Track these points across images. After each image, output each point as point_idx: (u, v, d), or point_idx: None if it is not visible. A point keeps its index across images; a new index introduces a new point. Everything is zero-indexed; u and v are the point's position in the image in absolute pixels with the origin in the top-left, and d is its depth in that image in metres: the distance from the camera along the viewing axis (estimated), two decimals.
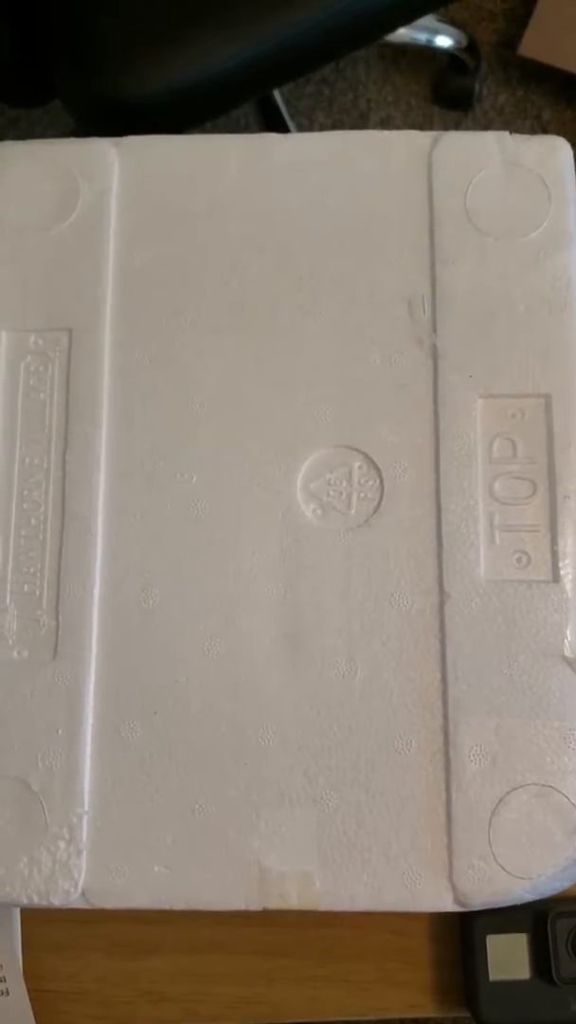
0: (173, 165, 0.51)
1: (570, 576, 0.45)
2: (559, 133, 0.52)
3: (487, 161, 0.50)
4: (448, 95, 1.41)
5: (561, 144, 0.50)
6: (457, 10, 1.41)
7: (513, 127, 1.40)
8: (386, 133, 0.51)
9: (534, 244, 0.49)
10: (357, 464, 0.47)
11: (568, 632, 0.45)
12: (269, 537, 0.47)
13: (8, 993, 0.52)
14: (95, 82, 0.95)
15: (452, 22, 1.37)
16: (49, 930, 0.53)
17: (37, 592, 0.46)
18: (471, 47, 1.38)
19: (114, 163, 0.51)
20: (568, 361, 0.47)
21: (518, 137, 0.50)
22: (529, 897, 0.44)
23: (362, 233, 0.49)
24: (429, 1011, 0.53)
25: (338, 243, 0.49)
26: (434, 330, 0.48)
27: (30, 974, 0.52)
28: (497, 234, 0.49)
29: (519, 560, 0.46)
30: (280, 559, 0.46)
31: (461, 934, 0.52)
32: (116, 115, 0.96)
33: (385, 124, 1.41)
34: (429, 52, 1.41)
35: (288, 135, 0.51)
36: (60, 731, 0.45)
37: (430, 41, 1.37)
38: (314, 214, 0.50)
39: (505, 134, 0.50)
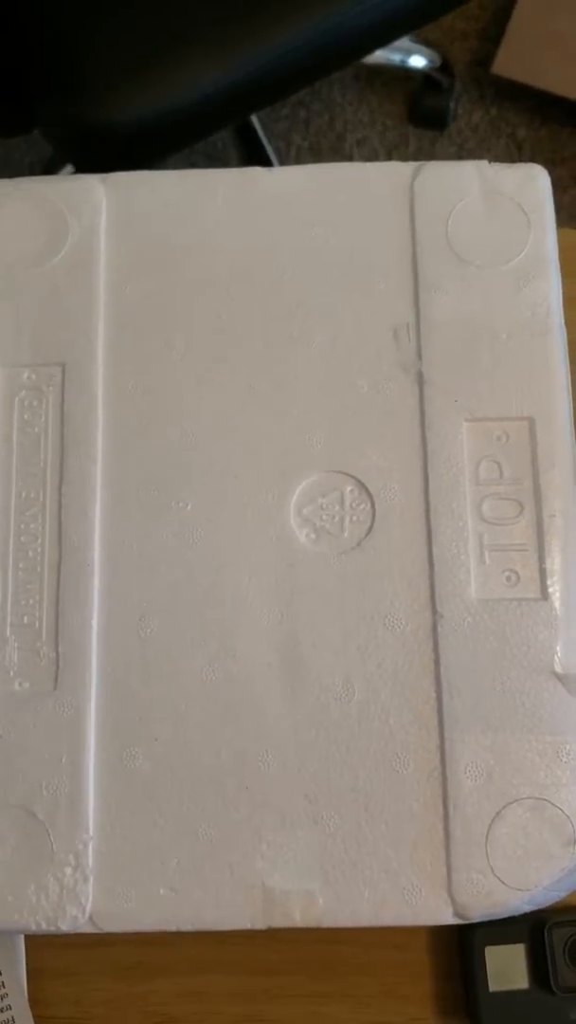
0: (160, 200, 0.52)
1: (558, 593, 0.47)
2: (534, 151, 0.53)
3: (467, 190, 0.51)
4: (423, 114, 1.43)
5: (539, 172, 0.51)
6: (430, 30, 1.43)
7: (488, 145, 1.42)
8: (368, 165, 0.52)
9: (515, 271, 0.50)
10: (348, 488, 0.48)
11: (558, 648, 0.46)
12: (264, 563, 0.48)
13: (14, 1022, 0.52)
14: (75, 110, 0.96)
15: (426, 42, 1.39)
16: (53, 955, 0.53)
17: (36, 624, 0.47)
18: (445, 67, 1.40)
19: (102, 199, 0.52)
20: (550, 385, 0.49)
21: (497, 166, 0.52)
22: (527, 908, 0.45)
23: (347, 264, 0.51)
24: None
25: (324, 274, 0.51)
26: (419, 357, 0.49)
27: (35, 1000, 0.53)
28: (479, 262, 0.50)
29: (508, 579, 0.47)
30: (275, 584, 0.47)
31: (460, 946, 0.53)
32: (96, 142, 0.97)
33: (361, 144, 1.43)
34: (404, 72, 1.43)
35: (272, 169, 0.52)
36: (63, 760, 0.46)
37: (404, 61, 1.39)
38: (300, 246, 0.51)
39: (484, 163, 0.51)
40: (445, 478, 0.48)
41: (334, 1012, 0.54)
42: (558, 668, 0.46)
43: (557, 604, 0.46)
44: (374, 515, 0.48)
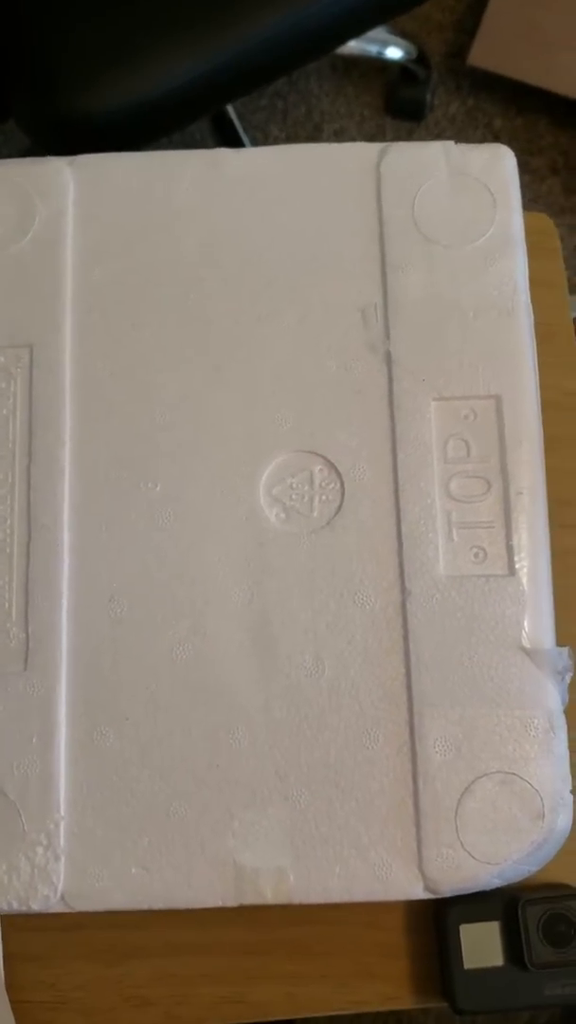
0: (127, 182, 0.52)
1: (525, 569, 0.47)
2: (510, 140, 0.54)
3: (433, 170, 0.51)
4: (400, 105, 1.43)
5: (505, 152, 0.52)
6: (406, 22, 1.43)
7: (465, 136, 1.42)
8: (335, 146, 0.52)
9: (481, 250, 0.50)
10: (318, 468, 0.49)
11: (525, 623, 0.46)
12: (234, 542, 0.48)
13: None
14: (50, 101, 0.95)
15: (402, 34, 1.39)
16: (29, 939, 0.53)
17: (6, 604, 0.47)
18: (421, 58, 1.40)
19: (69, 181, 0.52)
20: (516, 363, 0.49)
21: (463, 146, 0.52)
22: (497, 883, 0.45)
23: (315, 244, 0.51)
24: (407, 1003, 0.54)
25: (292, 255, 0.51)
26: (387, 337, 0.49)
27: (11, 984, 0.53)
28: (445, 242, 0.50)
29: (476, 555, 0.47)
30: (245, 563, 0.48)
31: (435, 925, 0.53)
32: (72, 134, 0.97)
33: (339, 135, 1.43)
34: (380, 64, 1.43)
35: (240, 150, 0.53)
36: (34, 740, 0.46)
37: (381, 53, 1.39)
38: (267, 227, 0.51)
39: (451, 143, 0.52)
40: (413, 457, 0.48)
41: (310, 992, 0.54)
42: (525, 643, 0.46)
43: (524, 580, 0.47)
44: (343, 494, 0.48)
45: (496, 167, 0.51)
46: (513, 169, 0.52)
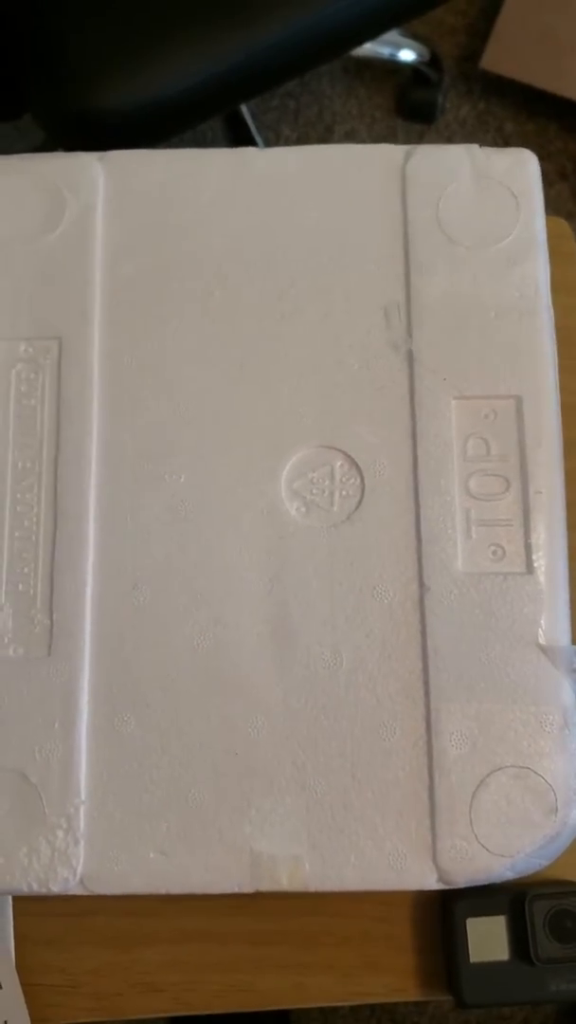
0: (156, 179, 0.53)
1: (543, 567, 0.48)
2: (520, 145, 0.54)
3: (458, 173, 0.52)
4: (412, 108, 1.44)
5: (529, 156, 0.53)
6: (419, 25, 1.44)
7: (475, 139, 1.43)
8: (361, 147, 0.53)
9: (504, 252, 0.51)
10: (339, 463, 0.49)
11: (542, 621, 0.47)
12: (255, 535, 0.48)
13: (1, 987, 0.53)
14: (66, 97, 0.96)
15: (415, 36, 1.40)
16: (41, 923, 0.54)
17: (31, 591, 0.48)
18: (434, 61, 1.41)
19: (99, 177, 0.52)
20: (537, 364, 0.50)
21: (488, 150, 0.53)
22: (510, 875, 0.46)
23: (339, 244, 0.51)
24: (412, 995, 0.54)
25: (316, 253, 0.51)
26: (409, 336, 0.50)
27: (23, 967, 0.53)
28: (468, 243, 0.51)
29: (495, 553, 0.48)
30: (266, 556, 0.48)
31: (442, 918, 0.54)
32: (87, 129, 0.97)
33: (350, 136, 1.44)
34: (393, 66, 1.44)
35: (266, 149, 0.53)
36: (56, 725, 0.46)
37: (393, 55, 1.39)
38: (293, 225, 0.52)
39: (475, 147, 0.52)
40: (433, 454, 0.49)
41: (317, 982, 0.54)
42: (542, 640, 0.47)
43: (542, 578, 0.47)
44: (363, 489, 0.49)
45: (520, 171, 0.52)
46: (537, 173, 0.52)
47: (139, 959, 0.54)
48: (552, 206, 1.38)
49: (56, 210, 0.52)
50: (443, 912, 0.54)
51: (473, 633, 0.47)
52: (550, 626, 0.47)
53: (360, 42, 1.08)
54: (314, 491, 0.49)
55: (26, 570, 0.48)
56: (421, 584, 0.47)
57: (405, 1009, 1.17)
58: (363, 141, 1.43)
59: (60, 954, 0.54)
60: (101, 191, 0.52)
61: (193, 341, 0.50)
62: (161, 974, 0.54)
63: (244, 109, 1.39)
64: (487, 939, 0.52)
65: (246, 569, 0.48)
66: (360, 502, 0.49)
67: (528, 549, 0.48)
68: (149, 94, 0.94)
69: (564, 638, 0.47)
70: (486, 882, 0.46)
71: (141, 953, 0.54)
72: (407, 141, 1.44)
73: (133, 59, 0.94)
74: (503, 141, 1.42)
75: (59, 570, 0.48)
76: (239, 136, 1.40)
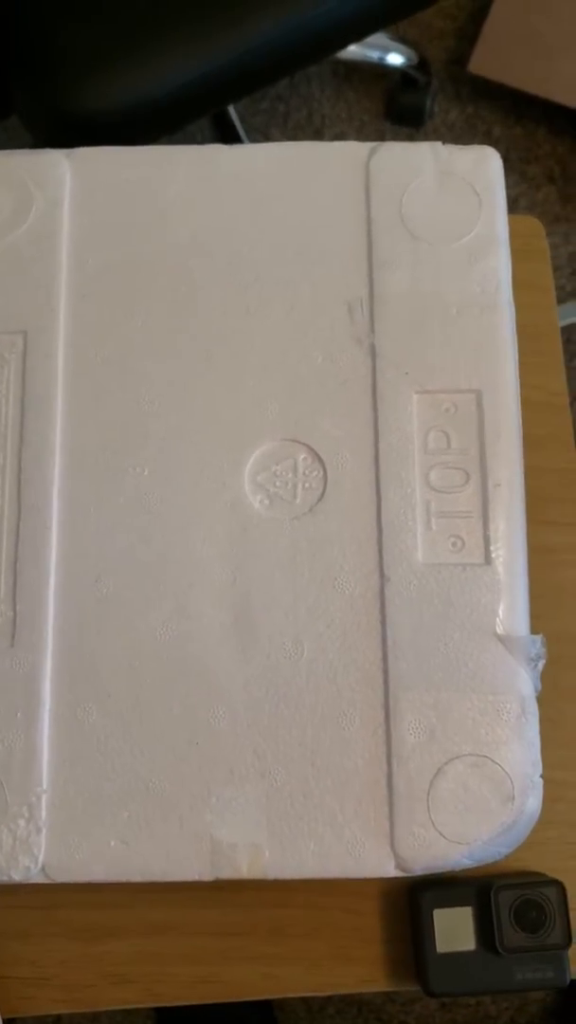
0: (123, 175, 0.53)
1: (501, 559, 0.48)
2: (509, 149, 0.55)
3: (421, 170, 0.52)
4: (400, 111, 1.44)
5: (491, 153, 0.53)
6: (408, 28, 1.45)
7: (464, 143, 1.43)
8: (326, 144, 0.53)
9: (466, 248, 0.51)
10: (301, 456, 0.50)
11: (500, 611, 0.47)
12: (218, 527, 0.49)
13: None
14: (53, 98, 0.96)
15: (403, 40, 1.40)
16: (10, 916, 0.54)
17: None
18: (422, 64, 1.41)
19: (66, 173, 0.53)
20: (497, 358, 0.50)
21: (451, 147, 0.53)
22: (467, 863, 0.46)
23: (304, 239, 0.52)
24: (381, 985, 0.55)
25: (281, 249, 0.52)
26: (372, 330, 0.51)
27: None
28: (431, 239, 0.51)
29: (454, 544, 0.49)
30: (229, 547, 0.49)
31: (409, 909, 0.54)
32: (73, 130, 0.98)
33: (339, 140, 1.44)
34: (381, 69, 1.44)
35: (234, 146, 0.54)
36: (19, 715, 0.47)
37: (382, 59, 1.40)
38: (258, 221, 0.52)
39: (438, 144, 0.53)
40: (395, 447, 0.49)
41: (286, 973, 0.55)
42: (500, 630, 0.47)
43: (500, 569, 0.48)
44: (326, 482, 0.49)
45: (482, 168, 0.52)
46: (499, 170, 0.53)
47: (109, 951, 0.54)
48: (539, 209, 1.39)
49: (23, 206, 0.52)
50: (410, 903, 0.54)
51: (432, 623, 0.47)
52: (508, 616, 0.47)
53: (349, 42, 1.08)
54: (277, 484, 0.50)
55: None
56: (382, 575, 0.48)
57: (392, 1009, 1.17)
58: None
59: (30, 947, 0.54)
60: (68, 187, 0.53)
61: (158, 335, 0.51)
62: (131, 966, 0.54)
63: (233, 112, 1.40)
64: (454, 929, 0.52)
65: (209, 561, 0.49)
66: (322, 495, 0.49)
67: (487, 540, 0.48)
68: (136, 95, 0.94)
69: (522, 628, 0.48)
70: (443, 869, 0.46)
71: (111, 945, 0.55)
72: None
73: (120, 60, 0.94)
74: (491, 144, 1.42)
75: (22, 561, 0.48)
76: (228, 139, 1.41)
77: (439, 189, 0.52)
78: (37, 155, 0.53)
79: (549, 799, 0.48)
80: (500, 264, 0.51)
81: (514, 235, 0.53)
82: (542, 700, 0.48)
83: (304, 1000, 1.14)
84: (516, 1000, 1.16)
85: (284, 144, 0.54)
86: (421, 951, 0.52)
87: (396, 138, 1.45)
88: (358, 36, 1.08)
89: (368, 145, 0.53)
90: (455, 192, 0.52)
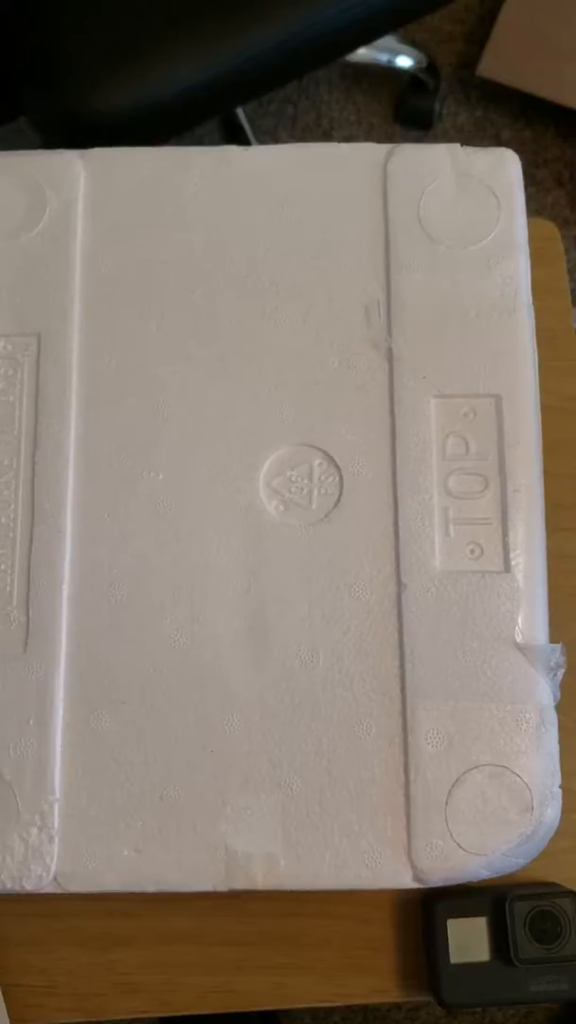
0: (138, 176, 0.53)
1: (521, 566, 0.47)
2: (517, 151, 0.54)
3: (439, 172, 0.52)
4: (409, 114, 1.44)
5: (510, 156, 0.53)
6: (417, 31, 1.44)
7: (473, 146, 1.43)
8: (343, 146, 0.53)
9: (484, 251, 0.51)
10: (317, 461, 0.49)
11: (519, 619, 0.47)
12: (233, 532, 0.48)
13: None
14: (62, 100, 0.96)
15: (412, 43, 1.40)
16: (21, 924, 0.54)
17: (8, 588, 0.48)
18: (431, 67, 1.41)
19: (80, 174, 0.52)
20: (517, 363, 0.49)
21: (469, 149, 0.53)
22: (485, 874, 0.46)
23: (321, 242, 0.51)
24: (394, 996, 0.54)
25: (298, 252, 0.51)
26: (389, 334, 0.50)
27: (2, 968, 0.53)
28: (449, 242, 0.51)
29: (472, 551, 0.48)
30: (244, 553, 0.48)
31: (423, 919, 0.54)
32: (83, 132, 0.98)
33: (347, 142, 1.44)
34: (390, 72, 1.44)
35: (249, 148, 0.53)
36: (31, 722, 0.46)
37: (391, 62, 1.40)
38: (275, 224, 0.52)
39: (456, 146, 0.52)
40: (412, 453, 0.49)
41: (298, 983, 0.54)
42: (519, 638, 0.47)
43: (519, 577, 0.47)
44: (342, 488, 0.49)
45: (501, 171, 0.52)
46: (518, 173, 0.52)
47: (119, 960, 0.54)
48: (549, 212, 1.38)
49: (37, 207, 0.52)
50: (424, 913, 0.54)
51: (450, 631, 0.47)
52: (527, 624, 0.47)
53: (355, 46, 1.08)
54: (293, 489, 0.49)
55: (2, 567, 0.48)
56: (399, 582, 0.47)
57: (398, 1015, 1.16)
58: None
59: (40, 955, 0.54)
60: (82, 188, 0.52)
61: (173, 338, 0.51)
62: (141, 975, 0.54)
63: (241, 114, 1.40)
64: (468, 940, 0.52)
65: (224, 567, 0.48)
66: (338, 500, 0.49)
67: (506, 548, 0.48)
68: (145, 97, 0.94)
69: (541, 636, 0.47)
70: (461, 881, 0.46)
71: (121, 954, 0.54)
72: None
73: (129, 62, 0.94)
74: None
75: (36, 567, 0.48)
76: (236, 141, 1.41)
77: (457, 191, 0.52)
78: (51, 156, 0.53)
79: (565, 809, 0.47)
80: (519, 267, 0.51)
81: (530, 240, 0.53)
82: (559, 709, 0.47)
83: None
84: (522, 1008, 1.15)
85: (301, 145, 0.53)
86: (435, 962, 0.52)
87: (405, 141, 1.44)
88: (368, 39, 1.08)
89: (385, 147, 0.52)
90: (473, 194, 0.51)
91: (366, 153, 0.52)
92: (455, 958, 0.52)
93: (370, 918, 0.55)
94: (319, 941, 0.54)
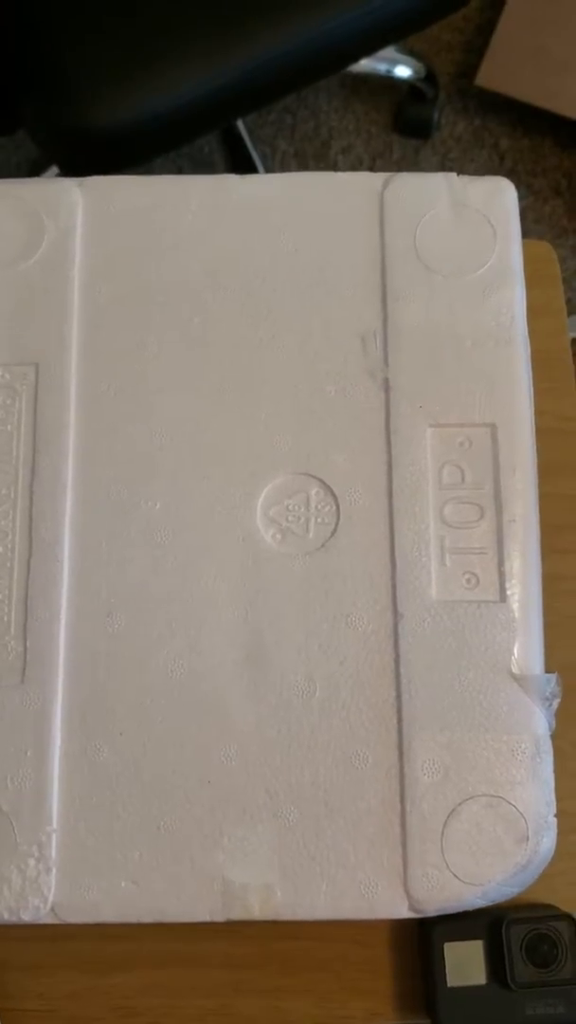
0: (135, 204, 0.53)
1: (516, 596, 0.48)
2: (516, 161, 0.54)
3: (436, 201, 0.52)
4: (408, 124, 1.45)
5: (506, 185, 0.53)
6: (416, 42, 1.45)
7: (471, 155, 1.44)
8: (340, 175, 0.53)
9: (480, 281, 0.51)
10: (314, 490, 0.49)
11: (515, 649, 0.47)
12: (230, 562, 0.49)
13: None
14: (63, 113, 0.96)
15: (411, 53, 1.41)
16: (18, 949, 0.54)
17: (5, 618, 0.48)
18: (430, 77, 1.41)
19: (78, 202, 0.53)
20: (512, 392, 0.50)
21: (465, 178, 0.53)
22: (481, 903, 0.46)
23: (317, 271, 0.52)
24: (390, 1019, 0.54)
25: (295, 280, 0.52)
26: (386, 363, 0.50)
27: (1, 993, 0.53)
28: (445, 271, 0.51)
29: (468, 581, 0.48)
30: (241, 583, 0.48)
31: (419, 942, 0.54)
32: (80, 145, 0.98)
33: (346, 151, 1.44)
34: (389, 82, 1.44)
35: (246, 176, 0.53)
36: (29, 753, 0.46)
37: (390, 71, 1.40)
38: (272, 252, 0.52)
39: (453, 175, 0.53)
40: (408, 482, 0.49)
41: (295, 1006, 0.54)
42: (515, 669, 0.47)
43: (515, 607, 0.48)
44: (339, 517, 0.49)
45: (497, 199, 0.52)
46: (514, 202, 0.52)
47: (117, 983, 0.54)
48: (546, 222, 1.38)
49: (35, 235, 0.52)
50: (421, 936, 0.54)
51: (446, 661, 0.47)
52: (523, 654, 0.47)
53: (356, 58, 1.08)
54: (290, 518, 0.49)
55: (0, 597, 0.48)
56: (395, 612, 0.48)
57: None
58: (359, 156, 1.43)
59: (38, 979, 0.54)
60: (80, 216, 0.52)
61: (171, 367, 0.51)
62: (139, 998, 0.54)
63: (241, 124, 1.40)
64: (464, 963, 0.52)
65: (221, 596, 0.48)
66: (335, 530, 0.49)
67: (502, 577, 0.48)
68: (145, 110, 0.94)
69: (537, 666, 0.47)
70: (457, 910, 0.46)
71: (119, 977, 0.54)
72: (403, 156, 1.44)
73: (129, 75, 0.94)
74: (499, 157, 1.42)
75: (33, 597, 0.48)
76: (236, 151, 1.41)
77: (453, 220, 0.52)
78: (49, 184, 0.53)
79: (561, 831, 0.47)
80: (515, 297, 0.51)
81: (525, 260, 0.53)
82: (554, 731, 0.48)
83: None
84: None
85: (298, 174, 0.53)
86: (431, 985, 0.52)
87: (404, 150, 1.45)
88: (368, 51, 1.08)
89: (382, 176, 0.52)
90: (470, 224, 0.52)
91: (363, 182, 0.53)
92: (452, 981, 0.52)
93: (367, 941, 0.55)
94: (316, 963, 0.54)
